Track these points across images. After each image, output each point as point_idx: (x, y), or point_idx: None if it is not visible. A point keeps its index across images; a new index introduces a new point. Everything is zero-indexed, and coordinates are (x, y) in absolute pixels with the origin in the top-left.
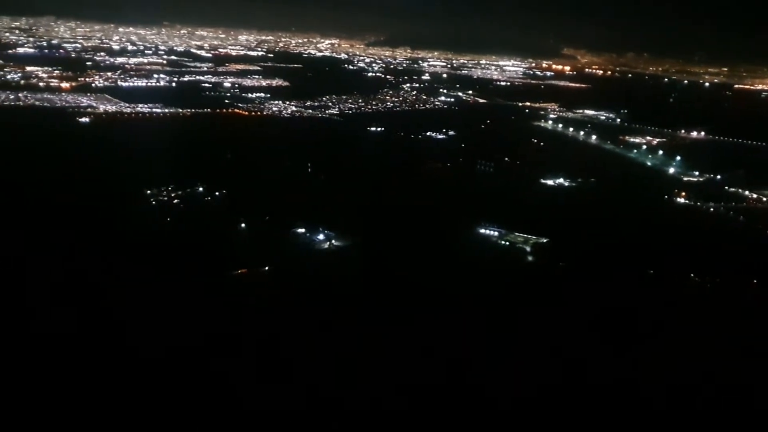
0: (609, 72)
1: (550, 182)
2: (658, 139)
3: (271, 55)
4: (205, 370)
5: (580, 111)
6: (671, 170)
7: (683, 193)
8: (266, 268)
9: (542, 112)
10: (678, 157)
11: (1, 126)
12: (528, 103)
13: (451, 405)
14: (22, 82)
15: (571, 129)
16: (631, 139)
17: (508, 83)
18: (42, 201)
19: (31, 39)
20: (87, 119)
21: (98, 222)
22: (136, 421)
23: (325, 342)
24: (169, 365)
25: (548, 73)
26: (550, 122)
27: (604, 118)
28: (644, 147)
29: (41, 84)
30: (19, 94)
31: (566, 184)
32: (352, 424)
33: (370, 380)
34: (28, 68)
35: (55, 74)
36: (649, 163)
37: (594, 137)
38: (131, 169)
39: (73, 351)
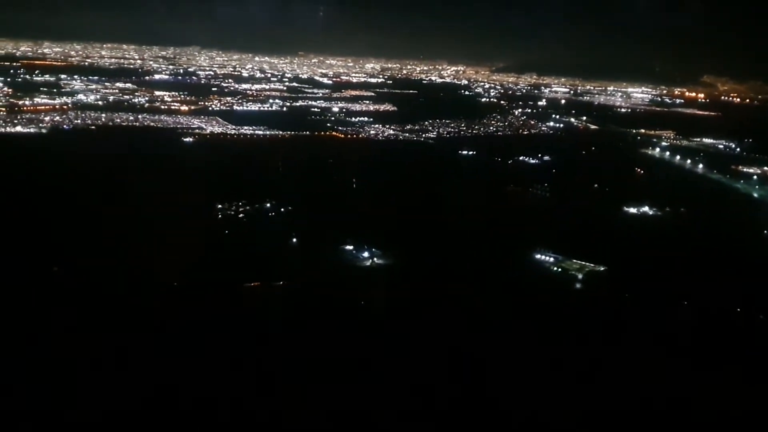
0: (747, 100)
1: (633, 210)
2: None
3: (390, 82)
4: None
5: (698, 139)
6: None
7: None
8: (281, 282)
9: (654, 140)
10: None
11: (110, 142)
12: (642, 130)
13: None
14: (147, 105)
15: (678, 157)
16: (745, 170)
17: (629, 110)
18: (116, 208)
19: (170, 67)
20: (191, 139)
21: (157, 230)
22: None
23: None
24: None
25: (677, 101)
26: (659, 150)
27: (722, 147)
28: (755, 177)
29: (163, 107)
30: (139, 116)
31: (650, 212)
32: None
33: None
34: (157, 92)
35: (178, 98)
36: (755, 195)
37: (701, 166)
38: (212, 184)
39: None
